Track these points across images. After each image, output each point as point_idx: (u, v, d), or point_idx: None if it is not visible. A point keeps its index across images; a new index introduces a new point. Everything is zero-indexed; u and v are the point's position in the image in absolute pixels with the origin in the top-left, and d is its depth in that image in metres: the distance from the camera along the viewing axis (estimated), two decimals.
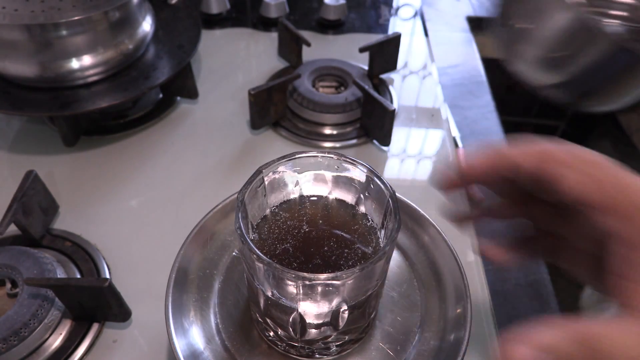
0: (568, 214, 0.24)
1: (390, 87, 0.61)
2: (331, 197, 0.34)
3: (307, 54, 0.61)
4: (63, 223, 0.45)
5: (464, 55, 0.69)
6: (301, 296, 0.28)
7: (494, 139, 0.55)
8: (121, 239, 0.44)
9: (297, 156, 0.32)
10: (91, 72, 0.50)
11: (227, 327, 0.34)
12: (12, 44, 0.46)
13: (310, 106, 0.55)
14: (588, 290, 0.67)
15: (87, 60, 0.49)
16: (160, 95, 0.58)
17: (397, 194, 0.30)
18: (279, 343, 0.33)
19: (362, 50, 0.58)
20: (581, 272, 0.28)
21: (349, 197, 0.34)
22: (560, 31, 0.38)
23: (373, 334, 0.34)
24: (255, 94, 0.50)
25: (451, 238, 0.37)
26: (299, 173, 0.33)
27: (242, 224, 0.28)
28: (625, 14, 0.50)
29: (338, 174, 0.33)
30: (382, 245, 0.30)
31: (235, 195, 0.33)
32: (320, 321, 0.30)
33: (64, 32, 0.47)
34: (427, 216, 0.38)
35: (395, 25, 0.74)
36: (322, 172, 0.33)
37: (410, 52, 0.69)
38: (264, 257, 0.26)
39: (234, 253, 0.38)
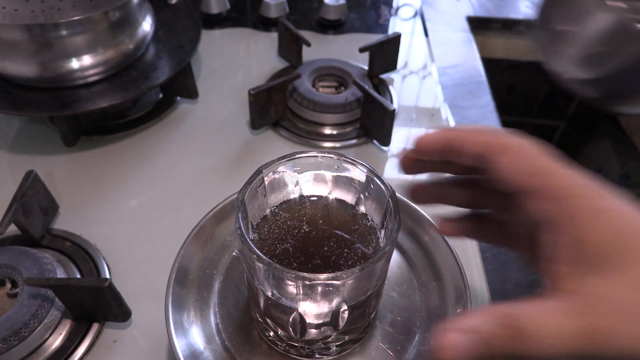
0: (510, 201, 0.25)
1: (390, 87, 0.61)
2: (331, 197, 0.34)
3: (307, 54, 0.61)
4: (63, 223, 0.45)
5: (464, 55, 0.69)
6: (301, 296, 0.28)
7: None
8: (121, 239, 0.44)
9: (297, 156, 0.32)
10: (91, 72, 0.50)
11: (227, 327, 0.34)
12: (12, 44, 0.46)
13: (310, 106, 0.55)
14: None
15: (87, 60, 0.49)
16: (160, 95, 0.58)
17: (397, 194, 0.30)
18: (279, 343, 0.33)
19: (362, 50, 0.58)
20: (528, 258, 0.29)
21: (349, 197, 0.34)
22: (600, 33, 0.39)
23: (373, 334, 0.34)
24: (255, 94, 0.50)
25: (451, 238, 0.37)
26: (299, 173, 0.33)
27: (242, 224, 0.28)
28: None
29: (338, 174, 0.33)
30: (382, 246, 0.30)
31: (235, 195, 0.33)
32: (320, 321, 0.30)
33: (64, 32, 0.47)
34: (427, 216, 0.38)
35: (395, 25, 0.74)
36: (322, 172, 0.33)
37: (410, 52, 0.69)
38: (264, 257, 0.26)
39: (234, 253, 0.38)
